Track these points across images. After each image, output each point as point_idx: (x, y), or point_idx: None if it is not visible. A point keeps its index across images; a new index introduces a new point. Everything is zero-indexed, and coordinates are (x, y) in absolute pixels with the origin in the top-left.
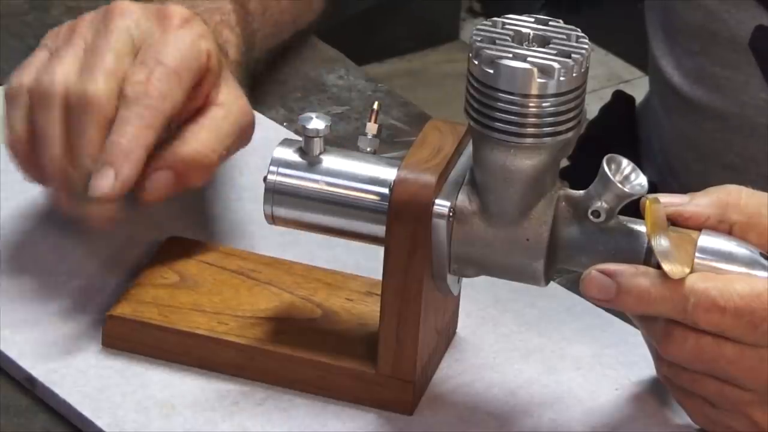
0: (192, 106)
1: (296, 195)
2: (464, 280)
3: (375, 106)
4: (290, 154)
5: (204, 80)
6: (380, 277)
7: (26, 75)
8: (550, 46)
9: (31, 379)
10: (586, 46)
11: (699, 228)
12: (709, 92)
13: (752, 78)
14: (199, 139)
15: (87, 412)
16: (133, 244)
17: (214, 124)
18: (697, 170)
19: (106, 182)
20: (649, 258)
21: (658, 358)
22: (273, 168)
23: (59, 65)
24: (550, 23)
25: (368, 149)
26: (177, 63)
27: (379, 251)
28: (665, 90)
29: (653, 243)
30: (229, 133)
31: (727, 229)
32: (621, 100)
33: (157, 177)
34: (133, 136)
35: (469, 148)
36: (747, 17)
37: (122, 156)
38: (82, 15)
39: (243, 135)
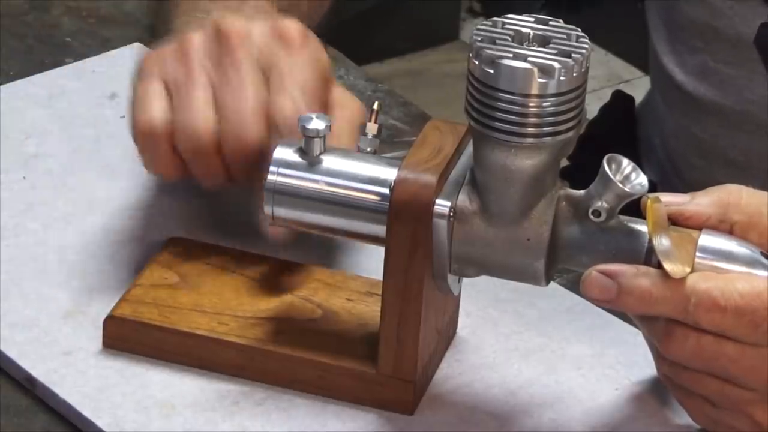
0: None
1: (296, 195)
2: (464, 280)
3: (375, 106)
4: (290, 155)
5: (326, 88)
6: (380, 277)
7: (155, 113)
8: (551, 45)
9: (31, 379)
10: (587, 46)
11: (700, 227)
12: (712, 89)
13: (756, 75)
14: (343, 142)
15: (87, 412)
16: (133, 244)
17: (347, 125)
18: (699, 167)
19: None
20: (649, 258)
21: (659, 358)
22: (273, 168)
23: (194, 105)
24: (551, 23)
25: (368, 149)
26: (314, 85)
27: (380, 251)
28: (667, 87)
29: (654, 242)
30: (357, 128)
31: (728, 229)
32: (621, 99)
33: None
34: None
35: (470, 148)
36: (751, 14)
37: None
38: (185, 36)
39: (362, 122)
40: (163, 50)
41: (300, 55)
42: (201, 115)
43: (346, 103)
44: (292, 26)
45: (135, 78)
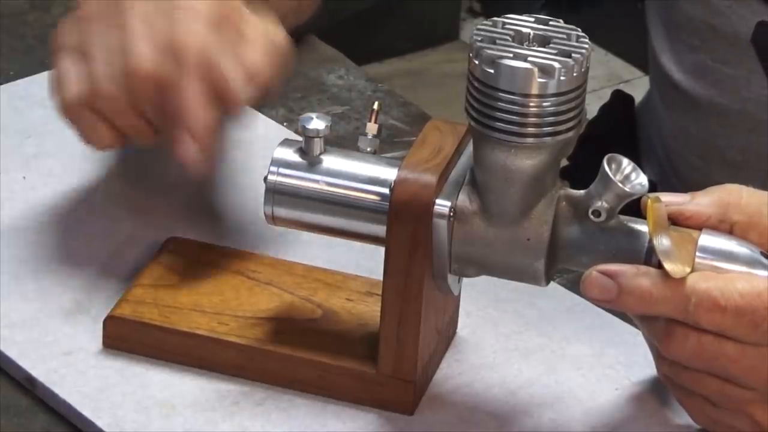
0: None
1: (296, 195)
2: (464, 280)
3: (375, 106)
4: (290, 155)
5: (232, 18)
6: (380, 277)
7: (70, 88)
8: (551, 45)
9: (31, 379)
10: (587, 46)
11: (700, 227)
12: (710, 88)
13: (753, 74)
14: (255, 54)
15: (87, 412)
16: (133, 244)
17: (260, 46)
18: (697, 166)
19: (190, 149)
20: (649, 257)
21: (659, 357)
22: (273, 168)
23: (98, 65)
24: (551, 23)
25: (368, 149)
26: (214, 11)
27: (380, 251)
28: (666, 86)
29: (655, 242)
30: (272, 51)
31: (728, 229)
32: (620, 99)
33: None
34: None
35: (470, 148)
36: (749, 13)
37: (195, 120)
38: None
39: (281, 55)
40: (68, 20)
41: None
42: (102, 68)
43: (258, 29)
44: None
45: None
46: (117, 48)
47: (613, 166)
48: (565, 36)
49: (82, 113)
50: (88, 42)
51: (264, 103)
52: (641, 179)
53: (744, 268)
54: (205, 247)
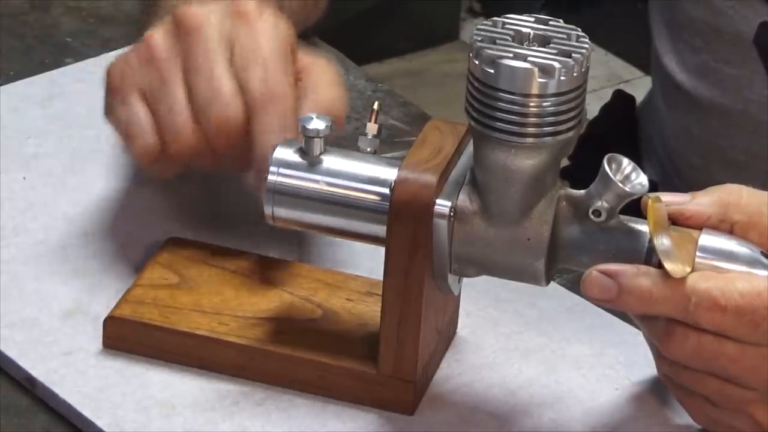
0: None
1: (296, 195)
2: (464, 280)
3: (375, 106)
4: (290, 155)
5: (294, 56)
6: (380, 277)
7: (146, 138)
8: (551, 45)
9: (31, 379)
10: (587, 46)
11: (700, 227)
12: (713, 89)
13: (756, 75)
14: (323, 92)
15: (87, 412)
16: (133, 244)
17: (324, 79)
18: (699, 167)
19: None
20: (649, 257)
21: (659, 357)
22: (273, 168)
23: (173, 109)
24: (551, 23)
25: (368, 149)
26: (279, 53)
27: (380, 251)
28: (668, 87)
29: (655, 242)
30: (338, 80)
31: (728, 229)
32: (621, 99)
33: None
34: (279, 139)
35: (470, 148)
36: (751, 14)
37: None
38: (146, 37)
39: (341, 80)
40: (129, 57)
41: (258, 27)
42: (181, 119)
43: (315, 63)
44: (248, 2)
45: (107, 91)
46: (202, 97)
47: (614, 165)
48: (565, 36)
49: (157, 159)
50: (162, 86)
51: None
52: (641, 179)
53: (744, 268)
54: (205, 247)
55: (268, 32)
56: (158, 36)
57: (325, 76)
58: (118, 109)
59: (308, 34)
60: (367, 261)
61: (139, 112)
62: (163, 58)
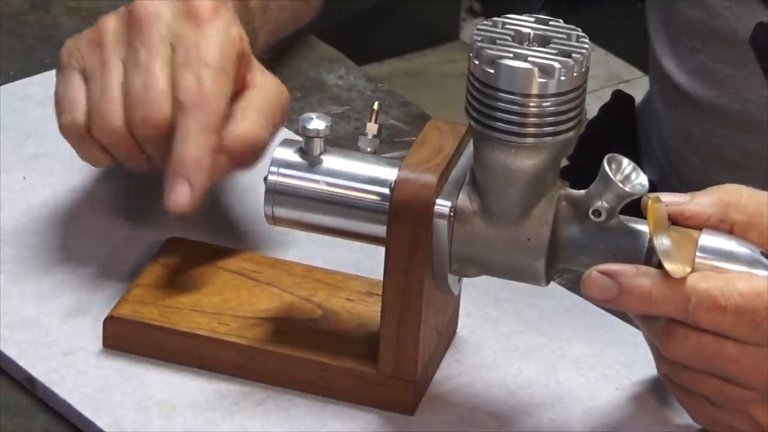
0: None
1: (296, 195)
2: (464, 280)
3: (375, 106)
4: (290, 155)
5: (241, 66)
6: (380, 277)
7: (74, 111)
8: (551, 45)
9: (31, 379)
10: (587, 46)
11: (700, 227)
12: (711, 89)
13: (753, 75)
14: (249, 120)
15: (87, 412)
16: (133, 244)
17: (259, 105)
18: (697, 167)
19: (183, 196)
20: (649, 257)
21: (659, 357)
22: (273, 168)
23: (105, 95)
24: (551, 23)
25: (368, 149)
26: (220, 59)
27: (380, 251)
28: (666, 87)
29: (655, 242)
30: (274, 110)
31: (728, 229)
32: (621, 99)
33: (214, 161)
34: (198, 143)
35: (470, 148)
36: (748, 14)
37: (192, 165)
38: (99, 22)
39: (284, 111)
40: (80, 38)
41: (206, 30)
42: (111, 104)
43: (264, 83)
44: (202, 3)
45: (57, 69)
46: (134, 89)
47: (614, 166)
48: (565, 36)
49: (81, 137)
50: (101, 70)
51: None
52: (641, 179)
53: (744, 268)
54: (205, 247)
55: (215, 37)
56: (109, 22)
57: (262, 100)
58: (59, 84)
59: (303, 33)
60: (367, 261)
61: (74, 88)
62: (108, 42)
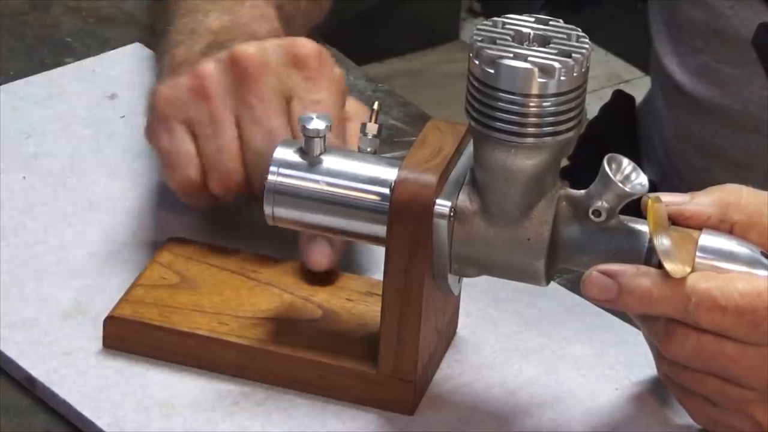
0: None
1: (297, 195)
2: (464, 280)
3: (375, 106)
4: (290, 155)
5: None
6: (381, 277)
7: (189, 170)
8: (551, 45)
9: (31, 379)
10: (587, 46)
11: (700, 227)
12: (713, 89)
13: (755, 75)
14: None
15: (87, 412)
16: (133, 244)
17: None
18: (699, 167)
19: (323, 256)
20: (649, 257)
21: (659, 357)
22: (273, 168)
23: (222, 149)
24: (551, 23)
25: (368, 149)
26: (335, 105)
27: (380, 251)
28: (668, 87)
29: (655, 242)
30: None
31: (728, 229)
32: (621, 99)
33: None
34: None
35: (470, 148)
36: (750, 15)
37: None
38: (197, 68)
39: None
40: (178, 87)
41: (318, 78)
42: (231, 162)
43: (358, 114)
44: (306, 46)
45: (151, 117)
46: (256, 146)
47: (614, 166)
48: (565, 36)
49: (198, 193)
50: (211, 125)
51: None
52: (641, 179)
53: (744, 268)
54: (205, 247)
55: (327, 83)
56: (212, 71)
57: (355, 130)
58: (163, 136)
59: (313, 35)
60: (368, 261)
61: (185, 144)
62: (216, 95)
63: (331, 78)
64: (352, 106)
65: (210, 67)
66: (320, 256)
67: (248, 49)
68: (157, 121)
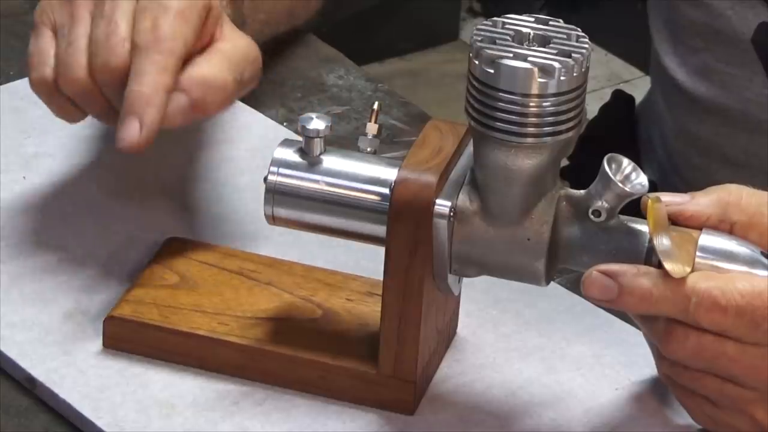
0: (200, 46)
1: (297, 195)
2: (464, 280)
3: (375, 106)
4: (290, 155)
5: (208, 19)
6: (381, 278)
7: (42, 67)
8: (551, 45)
9: (31, 379)
10: (587, 46)
11: (700, 227)
12: (713, 89)
13: (755, 75)
14: (212, 63)
15: (87, 412)
16: (133, 244)
17: (224, 53)
18: (699, 166)
19: (132, 132)
20: (649, 257)
21: (660, 357)
22: (273, 168)
23: (71, 48)
24: (551, 23)
25: (368, 149)
26: (178, 5)
27: (380, 251)
28: (668, 87)
29: (655, 242)
30: (239, 61)
31: (728, 229)
32: (621, 99)
33: (173, 99)
34: (150, 83)
35: (470, 148)
36: (750, 14)
37: (144, 103)
38: None
39: (253, 67)
40: None
41: None
42: (75, 55)
43: (232, 38)
44: None
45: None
46: (97, 38)
47: (614, 165)
48: (565, 36)
49: (50, 92)
50: (69, 24)
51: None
52: (641, 179)
53: (744, 268)
54: (205, 247)
55: None
56: None
57: (229, 50)
58: (31, 41)
59: (300, 32)
60: (367, 261)
61: (44, 44)
62: (75, 2)
63: None
64: (229, 30)
65: None
66: (129, 134)
67: None
68: (32, 31)
